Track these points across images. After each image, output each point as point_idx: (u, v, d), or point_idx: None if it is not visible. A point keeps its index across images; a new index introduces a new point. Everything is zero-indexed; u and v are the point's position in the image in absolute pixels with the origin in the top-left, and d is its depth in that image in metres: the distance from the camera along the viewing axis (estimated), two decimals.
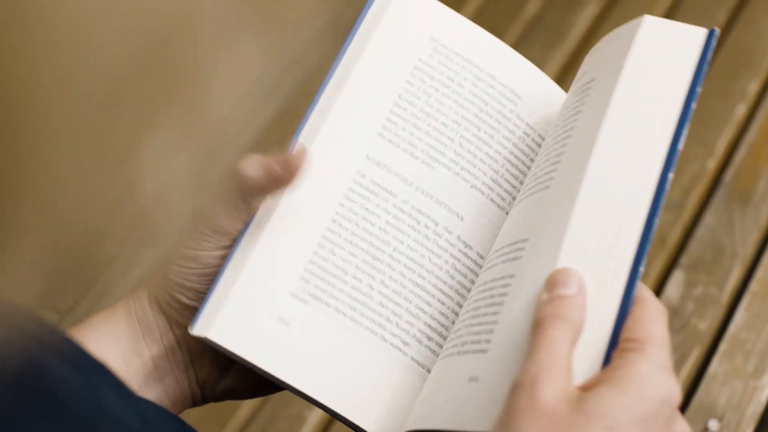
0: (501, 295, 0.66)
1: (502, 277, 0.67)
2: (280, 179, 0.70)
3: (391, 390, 0.71)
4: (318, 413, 1.32)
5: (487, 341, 0.65)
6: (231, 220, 0.72)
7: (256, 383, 0.77)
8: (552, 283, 0.63)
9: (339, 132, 0.75)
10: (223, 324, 0.70)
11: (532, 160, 0.77)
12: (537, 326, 0.61)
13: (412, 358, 0.72)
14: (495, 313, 0.66)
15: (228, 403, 0.86)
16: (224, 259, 0.72)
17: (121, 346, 0.73)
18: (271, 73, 0.36)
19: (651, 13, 1.57)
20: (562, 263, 0.64)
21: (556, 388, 0.58)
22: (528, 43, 1.56)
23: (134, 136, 0.34)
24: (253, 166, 0.70)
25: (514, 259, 0.68)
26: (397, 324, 0.72)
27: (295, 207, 0.73)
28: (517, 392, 0.58)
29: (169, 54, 0.33)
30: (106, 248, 0.36)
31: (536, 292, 0.63)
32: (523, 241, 0.68)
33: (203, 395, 0.76)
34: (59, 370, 0.50)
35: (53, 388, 0.49)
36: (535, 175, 0.72)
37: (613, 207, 0.65)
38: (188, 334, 0.72)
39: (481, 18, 1.61)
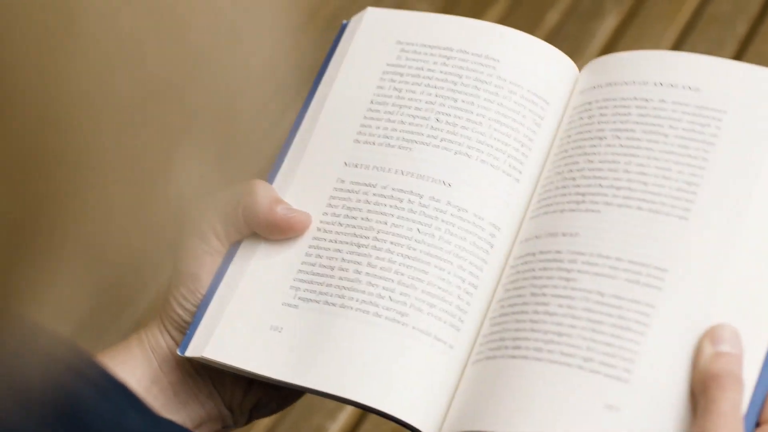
0: (638, 322, 0.66)
1: (635, 302, 0.66)
2: (279, 232, 0.74)
3: (399, 363, 0.70)
4: (339, 423, 1.32)
5: (628, 370, 0.65)
6: (229, 237, 0.74)
7: (280, 393, 0.77)
8: (717, 338, 0.64)
9: (318, 155, 0.77)
10: (217, 341, 0.72)
11: (524, 116, 0.76)
12: (714, 383, 0.62)
13: (414, 327, 0.71)
14: (634, 341, 0.65)
15: None
16: None
17: (137, 375, 0.74)
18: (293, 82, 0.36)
19: (671, 25, 1.57)
20: (718, 317, 0.65)
21: None
22: None
23: (167, 159, 0.34)
24: (262, 206, 0.73)
25: (649, 286, 0.67)
26: (390, 298, 0.72)
27: None
28: None
29: (199, 77, 0.33)
30: (143, 273, 0.36)
31: (685, 337, 0.64)
32: (661, 270, 0.67)
33: (234, 416, 0.76)
34: (89, 398, 0.50)
35: (83, 418, 0.49)
36: (644, 186, 0.70)
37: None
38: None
39: None
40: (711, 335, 0.64)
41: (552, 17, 1.65)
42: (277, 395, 0.77)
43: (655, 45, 1.55)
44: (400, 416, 0.69)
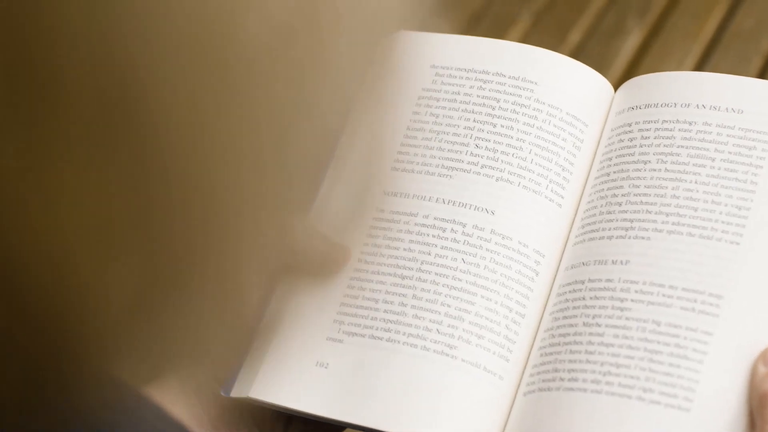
0: (696, 351, 0.65)
1: (692, 329, 0.66)
2: (325, 270, 0.74)
3: (450, 396, 0.69)
4: None
5: (688, 399, 0.64)
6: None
7: (321, 428, 0.76)
8: None
9: (355, 185, 0.76)
10: (262, 381, 0.71)
11: (564, 140, 0.76)
12: (767, 401, 0.62)
13: (463, 360, 0.70)
14: (693, 370, 0.65)
15: None
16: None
17: (175, 414, 0.74)
18: None
19: (695, 42, 1.56)
20: None
21: None
22: None
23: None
24: (313, 247, 0.73)
25: (705, 313, 0.66)
26: (437, 331, 0.71)
27: None
28: None
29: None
30: None
31: (744, 362, 0.64)
32: (716, 297, 0.67)
33: None
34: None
35: None
36: (694, 211, 0.70)
37: None
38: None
39: None
40: (763, 356, 0.64)
41: (574, 36, 1.64)
42: (319, 427, 0.76)
43: (679, 62, 1.55)
44: None
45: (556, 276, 0.72)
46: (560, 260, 0.73)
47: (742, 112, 0.71)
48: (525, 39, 1.64)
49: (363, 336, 0.71)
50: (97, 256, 0.29)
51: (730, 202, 0.69)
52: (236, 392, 0.72)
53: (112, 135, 0.28)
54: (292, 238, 0.73)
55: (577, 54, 1.62)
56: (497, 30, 1.64)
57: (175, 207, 0.30)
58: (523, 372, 0.71)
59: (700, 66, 1.54)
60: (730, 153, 0.70)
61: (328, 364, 0.71)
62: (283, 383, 0.71)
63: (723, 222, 0.69)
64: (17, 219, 0.28)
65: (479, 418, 0.69)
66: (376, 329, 0.71)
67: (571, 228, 0.74)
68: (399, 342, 0.71)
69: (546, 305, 0.72)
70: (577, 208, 0.74)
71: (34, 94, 0.27)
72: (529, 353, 0.71)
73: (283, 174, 0.32)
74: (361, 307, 0.72)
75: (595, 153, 0.76)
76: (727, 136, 0.71)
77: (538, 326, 0.72)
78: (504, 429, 0.69)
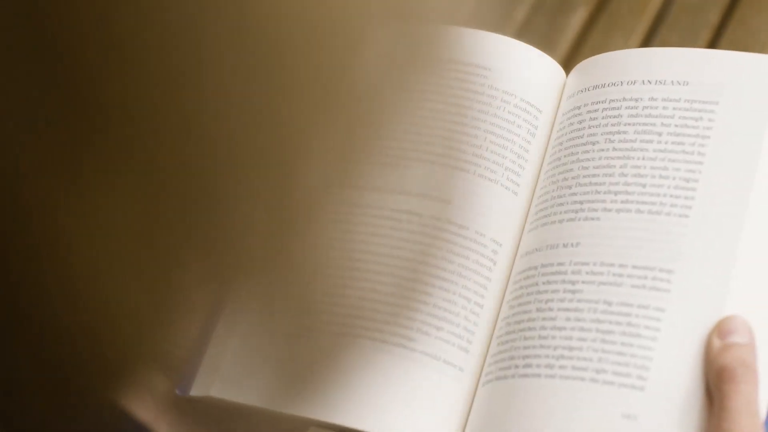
0: (648, 328, 0.65)
1: (643, 307, 0.65)
2: None
3: (409, 389, 0.69)
4: None
5: (642, 378, 0.64)
6: None
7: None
8: (725, 330, 0.63)
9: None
10: (224, 379, 0.71)
11: (519, 126, 0.75)
12: (725, 376, 0.61)
13: (422, 352, 0.70)
14: (646, 348, 0.64)
15: None
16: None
17: (135, 413, 0.73)
18: None
19: (641, 16, 1.55)
20: (728, 312, 0.63)
21: None
22: None
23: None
24: None
25: (657, 289, 0.66)
26: (396, 323, 0.70)
27: None
28: None
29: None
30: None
31: (698, 337, 0.63)
32: (667, 272, 0.66)
33: None
34: None
35: None
36: (642, 188, 0.69)
37: None
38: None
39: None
40: (718, 328, 0.63)
41: (520, 13, 1.63)
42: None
43: (626, 37, 1.54)
44: None
45: (513, 265, 0.72)
46: (517, 249, 0.72)
47: (688, 83, 0.71)
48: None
49: (323, 332, 0.71)
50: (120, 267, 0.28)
51: (678, 175, 0.68)
52: (196, 391, 0.71)
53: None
54: None
55: (523, 30, 1.61)
56: None
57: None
58: (483, 362, 0.70)
59: (647, 41, 1.54)
60: (676, 126, 0.70)
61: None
62: (242, 381, 0.70)
63: (671, 196, 0.68)
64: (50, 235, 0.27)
65: (440, 410, 0.69)
66: (335, 324, 0.70)
67: (526, 216, 0.73)
68: (357, 336, 0.70)
69: (504, 294, 0.71)
70: (533, 196, 0.74)
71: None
72: (489, 343, 0.70)
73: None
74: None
75: (549, 139, 0.75)
76: (673, 109, 0.71)
77: (497, 316, 0.71)
78: (466, 421, 0.68)
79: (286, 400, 0.69)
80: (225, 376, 0.71)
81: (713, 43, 1.49)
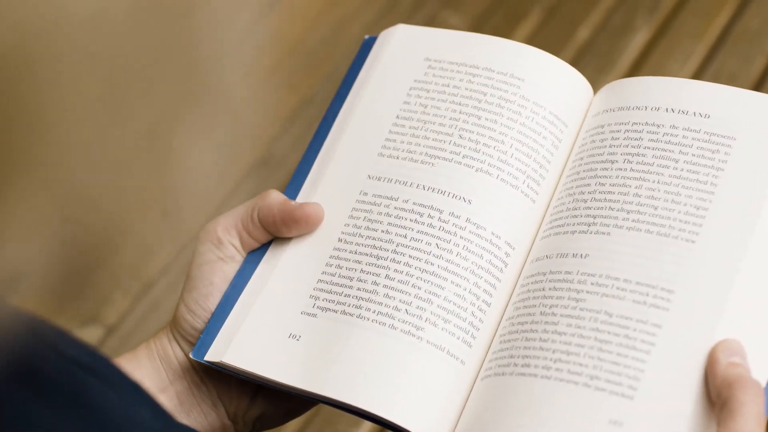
0: (644, 342, 0.67)
1: (642, 321, 0.68)
2: (295, 224, 0.76)
3: (411, 375, 0.71)
4: (362, 431, 1.33)
5: (632, 387, 0.66)
6: (245, 244, 0.75)
7: (286, 404, 0.78)
8: (729, 350, 0.66)
9: (343, 167, 0.79)
10: (236, 348, 0.73)
11: (545, 138, 0.77)
12: (740, 386, 0.64)
13: (428, 342, 0.72)
14: (639, 360, 0.67)
15: None
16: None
17: (145, 383, 0.75)
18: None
19: (701, 41, 1.57)
20: (720, 335, 0.66)
21: None
22: (579, 68, 1.57)
23: (160, 123, 0.35)
24: (276, 202, 0.74)
25: (656, 307, 0.68)
26: (406, 311, 0.73)
27: (305, 238, 0.77)
28: None
29: (187, 37, 0.34)
30: (131, 239, 0.37)
31: (692, 355, 0.66)
32: (668, 291, 0.69)
33: (236, 428, 0.77)
34: (102, 393, 0.51)
35: (98, 410, 0.50)
36: (654, 209, 0.72)
37: None
38: (209, 367, 0.74)
39: (531, 44, 1.62)
40: (722, 347, 0.66)
41: (583, 33, 1.65)
42: (283, 407, 0.78)
43: (684, 61, 1.55)
44: (409, 427, 0.70)
45: (522, 268, 0.74)
46: (528, 254, 0.75)
47: (709, 116, 0.73)
48: (534, 34, 1.65)
49: (335, 312, 0.73)
50: None
51: (690, 202, 0.71)
52: (211, 356, 0.74)
53: None
54: (264, 204, 0.75)
55: (585, 50, 1.63)
56: (507, 24, 1.66)
57: None
58: (484, 359, 0.72)
59: (704, 65, 1.55)
60: (693, 155, 0.73)
61: (300, 336, 0.73)
62: (255, 352, 0.73)
63: (681, 221, 0.71)
64: None
65: (438, 399, 0.71)
66: (348, 305, 0.73)
67: (541, 224, 0.76)
68: (368, 319, 0.73)
69: (511, 296, 0.74)
70: (548, 206, 0.76)
71: None
72: (492, 341, 0.73)
73: None
74: (336, 284, 0.74)
75: (570, 153, 0.77)
76: (693, 139, 0.73)
77: (503, 315, 0.74)
78: (461, 412, 0.71)
79: (296, 375, 0.71)
80: (238, 345, 0.73)
81: None
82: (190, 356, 0.74)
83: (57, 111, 0.32)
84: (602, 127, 0.77)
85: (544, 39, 1.64)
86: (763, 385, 0.66)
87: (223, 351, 0.74)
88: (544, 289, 0.72)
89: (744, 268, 0.68)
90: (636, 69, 1.59)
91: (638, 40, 1.63)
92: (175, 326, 0.76)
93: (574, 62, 1.60)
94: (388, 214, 0.76)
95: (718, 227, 0.70)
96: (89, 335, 1.42)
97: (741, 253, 0.69)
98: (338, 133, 0.80)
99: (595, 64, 1.58)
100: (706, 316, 0.67)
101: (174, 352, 0.76)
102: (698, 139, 0.73)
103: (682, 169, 0.72)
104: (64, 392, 0.48)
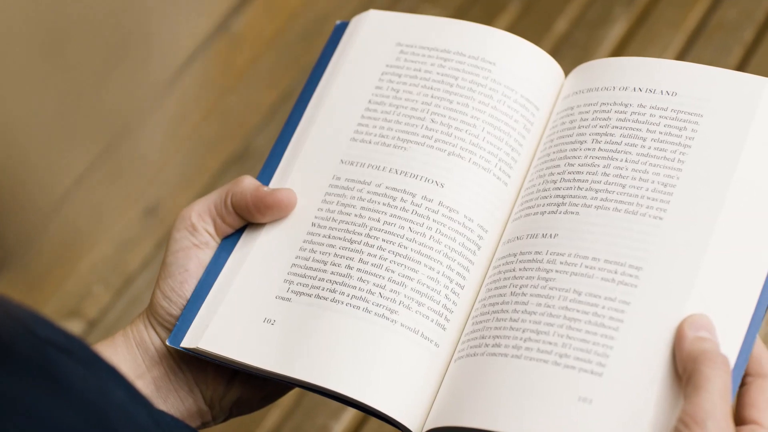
0: (612, 319, 0.68)
1: (610, 299, 0.68)
2: (268, 210, 0.76)
3: (386, 358, 0.72)
4: (343, 423, 1.33)
5: (601, 364, 0.67)
6: (219, 230, 0.76)
7: (262, 389, 0.78)
8: (696, 324, 0.66)
9: (316, 152, 0.79)
10: (212, 333, 0.74)
11: (516, 121, 0.77)
12: (705, 361, 0.64)
13: (402, 324, 0.72)
14: (608, 337, 0.67)
15: (253, 415, 0.87)
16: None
17: (122, 370, 0.75)
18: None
19: (678, 31, 1.58)
20: (689, 310, 0.67)
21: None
22: (557, 60, 1.57)
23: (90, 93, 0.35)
24: (249, 188, 0.74)
25: (624, 284, 0.69)
26: (380, 294, 0.73)
27: (278, 223, 0.77)
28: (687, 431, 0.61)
29: (118, 19, 0.34)
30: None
31: (658, 332, 0.66)
32: (636, 268, 0.69)
33: (213, 413, 0.77)
34: (78, 373, 0.51)
35: (72, 389, 0.50)
36: (622, 188, 0.72)
37: (742, 265, 0.68)
38: (184, 353, 0.74)
39: None
40: (690, 322, 0.66)
41: (560, 25, 1.66)
42: (260, 392, 0.78)
43: (661, 51, 1.56)
44: (383, 409, 0.70)
45: (495, 251, 0.75)
46: (501, 236, 0.75)
47: (677, 94, 0.73)
48: (513, 26, 1.65)
49: (309, 296, 0.74)
50: None
51: (657, 179, 0.71)
52: (187, 343, 0.74)
53: None
54: (237, 190, 0.75)
55: (563, 43, 1.63)
56: (485, 17, 1.66)
57: None
58: (458, 341, 0.73)
59: (682, 55, 1.55)
60: (661, 133, 0.73)
61: (275, 320, 0.73)
62: (231, 337, 0.74)
63: (648, 198, 0.71)
64: None
65: (413, 381, 0.72)
66: (322, 290, 0.74)
67: (513, 207, 0.76)
68: (342, 303, 0.73)
69: (484, 278, 0.74)
70: (521, 188, 0.76)
71: None
72: (465, 323, 0.73)
73: None
74: (310, 269, 0.75)
75: (542, 136, 0.78)
76: (660, 117, 0.73)
77: (476, 298, 0.74)
78: (436, 394, 0.72)
79: (271, 359, 0.71)
80: (214, 331, 0.73)
81: (745, 60, 1.51)
82: (167, 343, 0.75)
83: None
84: (572, 108, 0.77)
85: (522, 31, 1.64)
86: (733, 359, 0.66)
87: (199, 337, 0.74)
88: (514, 270, 0.72)
89: (712, 244, 0.69)
90: None
91: (616, 31, 1.64)
92: (151, 313, 0.76)
93: (552, 54, 1.60)
94: (361, 198, 0.76)
95: (686, 204, 0.70)
96: (70, 330, 1.42)
97: (709, 228, 0.69)
98: (311, 118, 0.80)
99: (574, 56, 1.58)
100: (674, 293, 0.67)
101: (150, 338, 0.76)
102: (666, 117, 0.73)
103: (649, 147, 0.72)
104: (36, 368, 0.48)
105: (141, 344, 0.76)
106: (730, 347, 0.66)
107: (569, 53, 1.60)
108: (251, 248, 0.76)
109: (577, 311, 0.69)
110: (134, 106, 0.35)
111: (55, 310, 1.43)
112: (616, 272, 0.69)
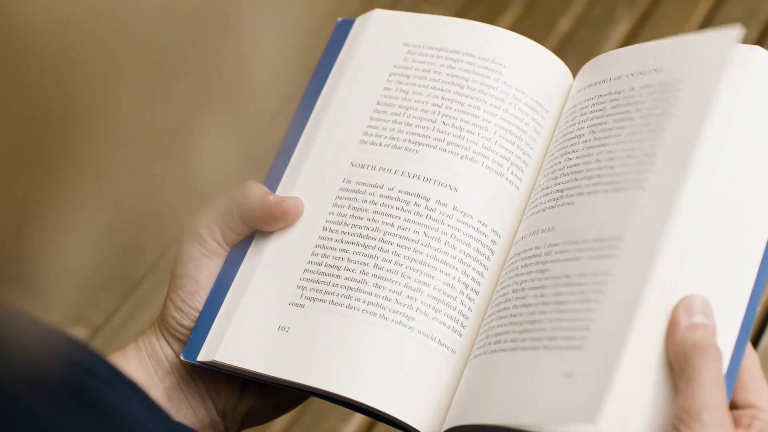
0: (596, 291, 0.66)
1: (594, 274, 0.67)
2: (275, 220, 0.75)
3: (403, 365, 0.71)
4: (352, 426, 1.33)
5: (583, 337, 0.65)
6: (227, 239, 0.75)
7: (275, 399, 0.78)
8: (690, 308, 0.64)
9: (325, 155, 0.78)
10: (227, 346, 0.73)
11: (527, 124, 0.77)
12: (697, 351, 0.62)
13: (419, 332, 0.72)
14: (590, 310, 0.65)
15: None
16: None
17: (141, 383, 0.75)
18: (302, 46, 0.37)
19: (682, 30, 1.57)
20: (680, 284, 0.65)
21: (719, 426, 0.61)
22: (561, 59, 1.57)
23: (183, 122, 0.34)
24: (255, 198, 0.74)
25: (607, 257, 0.67)
26: (396, 301, 0.72)
27: (289, 228, 0.76)
28: (682, 426, 0.61)
29: (207, 38, 0.34)
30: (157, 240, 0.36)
31: (641, 301, 0.63)
32: (617, 239, 0.67)
33: (225, 423, 0.77)
34: (98, 389, 0.51)
35: (97, 405, 0.50)
36: (611, 169, 0.71)
37: (738, 233, 0.67)
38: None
39: None
40: (684, 306, 0.64)
41: (564, 24, 1.65)
42: (272, 402, 0.78)
43: None
44: (399, 417, 0.70)
45: (507, 256, 0.74)
46: (512, 241, 0.74)
47: (662, 69, 0.72)
48: (515, 26, 1.65)
49: (324, 302, 0.73)
50: None
51: (642, 151, 0.70)
52: (203, 356, 0.73)
53: None
54: (243, 199, 0.74)
55: (566, 41, 1.63)
56: (488, 17, 1.65)
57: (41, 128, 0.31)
58: (472, 346, 0.72)
59: None
60: (647, 108, 0.71)
61: (289, 328, 0.72)
62: (246, 347, 0.73)
63: (634, 172, 0.69)
64: None
65: (430, 388, 0.71)
66: (337, 296, 0.73)
67: (524, 210, 0.75)
68: (358, 309, 0.72)
69: (497, 283, 0.73)
70: (531, 192, 0.76)
71: None
72: (479, 328, 0.73)
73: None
74: (323, 274, 0.74)
75: (551, 139, 0.77)
76: (647, 94, 0.72)
77: (489, 303, 0.73)
78: (452, 400, 0.71)
79: (286, 368, 0.71)
80: (229, 342, 0.72)
81: None
82: (182, 357, 0.74)
83: (92, 105, 0.31)
84: (574, 107, 0.76)
85: (525, 30, 1.63)
86: (733, 337, 0.65)
87: (214, 350, 0.73)
88: (517, 268, 0.72)
89: (702, 212, 0.67)
90: None
91: (620, 30, 1.63)
92: (162, 324, 0.76)
93: (556, 53, 1.60)
94: (373, 202, 0.75)
95: (666, 169, 0.68)
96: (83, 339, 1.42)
97: (696, 193, 0.67)
98: (318, 120, 0.79)
99: (578, 55, 1.58)
100: (657, 261, 0.65)
101: (162, 349, 0.75)
102: (652, 93, 0.72)
103: (637, 125, 0.71)
104: (73, 394, 0.48)
105: (153, 356, 0.75)
106: (728, 325, 0.65)
107: (573, 52, 1.59)
108: (262, 256, 0.76)
109: (567, 294, 0.67)
110: None
111: (60, 317, 1.43)
112: (600, 248, 0.67)
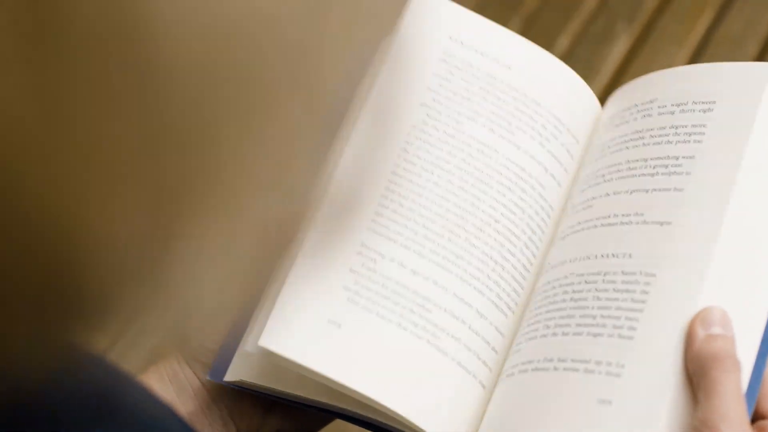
0: (629, 319, 0.66)
1: (622, 309, 0.67)
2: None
3: (445, 392, 0.70)
4: None
5: (620, 365, 0.65)
6: None
7: (298, 422, 0.77)
8: (707, 321, 0.64)
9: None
10: (271, 333, 0.70)
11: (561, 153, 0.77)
12: (715, 363, 0.62)
13: (459, 362, 0.71)
14: (627, 338, 0.66)
15: None
16: None
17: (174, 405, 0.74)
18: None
19: (682, 47, 1.58)
20: (703, 302, 0.65)
21: None
22: None
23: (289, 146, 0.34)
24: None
25: (639, 292, 0.67)
26: (443, 330, 0.71)
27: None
28: None
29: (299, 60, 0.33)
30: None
31: (676, 327, 0.64)
32: (648, 275, 0.68)
33: None
34: (140, 410, 0.51)
35: (146, 424, 0.49)
36: (637, 201, 0.71)
37: (758, 250, 0.67)
38: (219, 385, 0.73)
39: None
40: (701, 319, 0.64)
41: (563, 41, 1.65)
42: (298, 424, 0.77)
43: (666, 67, 1.56)
44: None
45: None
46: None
47: (686, 102, 0.73)
48: None
49: (371, 312, 0.71)
50: (103, 188, 0.29)
51: (670, 184, 0.70)
52: (229, 377, 0.72)
53: (122, 72, 0.27)
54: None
55: (566, 59, 1.63)
56: None
57: (181, 147, 0.30)
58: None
59: None
60: (676, 134, 0.72)
61: (340, 324, 0.70)
62: (292, 335, 0.70)
63: (660, 203, 0.70)
64: (27, 160, 0.28)
65: (465, 419, 0.70)
66: (384, 308, 0.71)
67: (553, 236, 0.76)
68: (407, 330, 0.70)
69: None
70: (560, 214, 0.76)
71: (46, 36, 0.27)
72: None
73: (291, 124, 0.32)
74: (370, 290, 0.72)
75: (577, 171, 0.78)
76: (670, 128, 0.73)
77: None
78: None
79: (317, 388, 0.70)
80: (257, 361, 0.70)
81: None
82: (208, 378, 0.73)
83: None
84: (610, 140, 0.77)
85: None
86: (755, 349, 0.65)
87: (242, 367, 0.72)
88: (549, 296, 0.72)
89: (724, 232, 0.67)
90: (620, 76, 1.59)
91: (620, 47, 1.63)
92: (186, 343, 0.75)
93: None
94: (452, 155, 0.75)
95: (694, 202, 0.69)
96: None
97: (719, 217, 0.67)
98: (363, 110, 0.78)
99: (578, 72, 1.58)
100: (688, 287, 0.66)
101: (184, 373, 0.75)
102: (675, 128, 0.73)
103: (670, 157, 0.72)
104: (138, 420, 0.47)
105: (174, 379, 0.75)
106: (749, 337, 0.65)
107: (574, 69, 1.59)
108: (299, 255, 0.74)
109: (598, 326, 0.68)
110: None
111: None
112: (630, 282, 0.68)
